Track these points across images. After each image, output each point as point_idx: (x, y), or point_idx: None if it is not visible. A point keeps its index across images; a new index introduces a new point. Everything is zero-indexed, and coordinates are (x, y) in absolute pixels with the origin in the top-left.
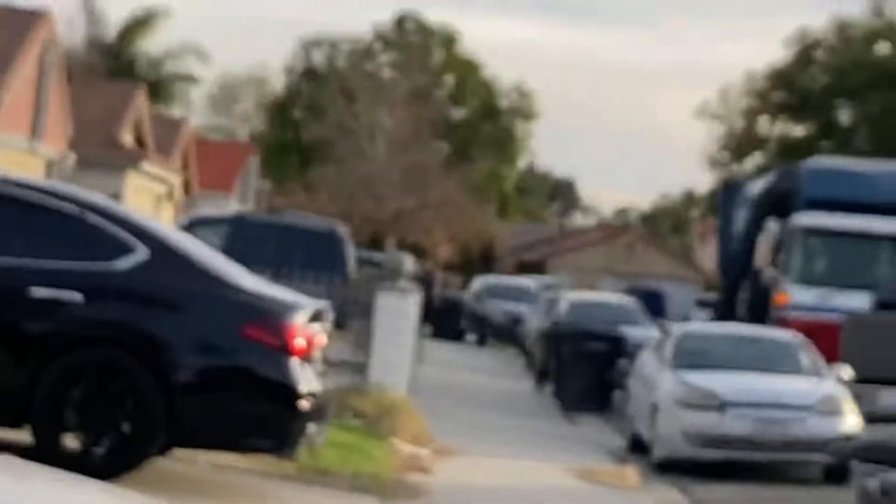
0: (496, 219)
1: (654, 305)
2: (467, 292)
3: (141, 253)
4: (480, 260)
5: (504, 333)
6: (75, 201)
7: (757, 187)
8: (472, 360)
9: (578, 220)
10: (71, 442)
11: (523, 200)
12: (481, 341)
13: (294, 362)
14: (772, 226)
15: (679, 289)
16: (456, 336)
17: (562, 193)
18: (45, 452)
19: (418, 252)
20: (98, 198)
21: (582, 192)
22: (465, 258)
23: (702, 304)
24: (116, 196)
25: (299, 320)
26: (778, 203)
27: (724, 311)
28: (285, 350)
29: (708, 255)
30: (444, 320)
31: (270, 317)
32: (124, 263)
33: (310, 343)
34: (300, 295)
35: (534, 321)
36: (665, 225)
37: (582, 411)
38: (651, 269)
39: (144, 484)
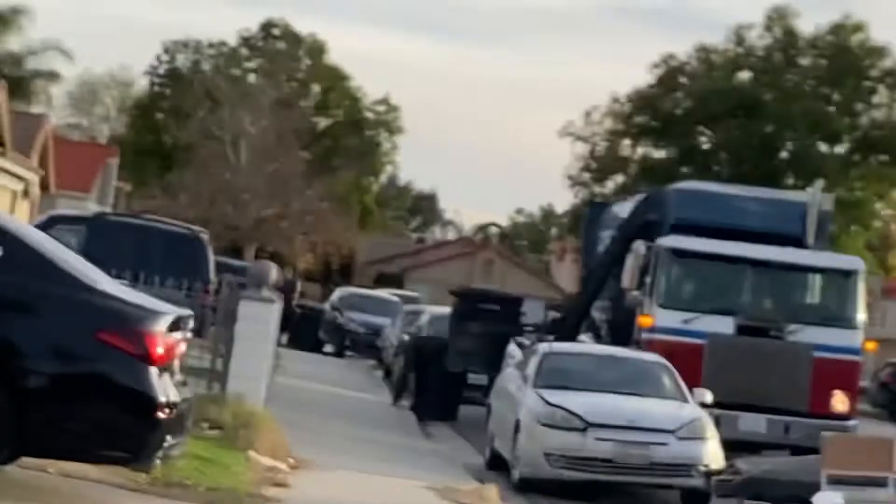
0: (357, 230)
1: None
2: (327, 303)
3: None
4: (340, 271)
5: (363, 345)
6: None
7: (624, 209)
8: (330, 372)
9: (438, 234)
10: None
11: (384, 213)
12: (339, 353)
13: (153, 371)
14: (638, 248)
15: (536, 305)
16: (314, 346)
17: (423, 207)
18: None
19: (278, 260)
20: None
21: (443, 207)
22: (325, 268)
23: None
24: None
25: (160, 328)
26: (645, 225)
27: (570, 328)
28: (144, 358)
29: (565, 273)
30: (302, 330)
31: (129, 323)
32: None
33: (169, 352)
34: (161, 301)
35: (394, 334)
36: (523, 242)
37: (437, 420)
38: (509, 286)
39: None
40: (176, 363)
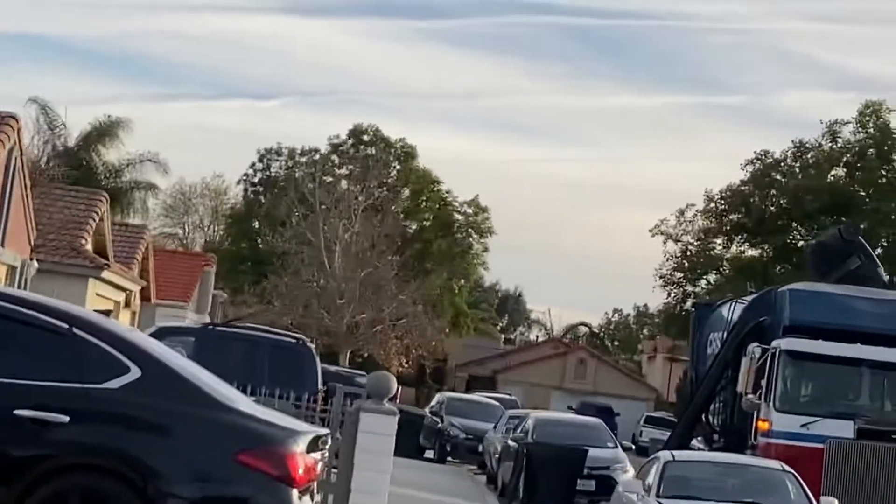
0: (449, 332)
1: (606, 422)
2: (427, 407)
3: (132, 372)
4: (432, 374)
5: (465, 451)
6: (64, 317)
7: (734, 310)
8: (435, 479)
9: (526, 335)
10: None
11: (473, 314)
12: (441, 458)
13: (294, 494)
14: (754, 350)
15: (629, 406)
16: (415, 452)
17: (509, 308)
18: None
19: (372, 365)
20: (88, 313)
21: (529, 308)
22: (418, 372)
23: (651, 421)
24: (108, 312)
25: (300, 448)
26: (757, 327)
27: (683, 433)
28: (285, 480)
29: (657, 373)
30: (403, 436)
31: (270, 444)
32: (114, 383)
33: (309, 472)
34: (298, 420)
35: (497, 439)
36: (615, 342)
37: None
38: (601, 386)
39: None
40: (314, 484)
